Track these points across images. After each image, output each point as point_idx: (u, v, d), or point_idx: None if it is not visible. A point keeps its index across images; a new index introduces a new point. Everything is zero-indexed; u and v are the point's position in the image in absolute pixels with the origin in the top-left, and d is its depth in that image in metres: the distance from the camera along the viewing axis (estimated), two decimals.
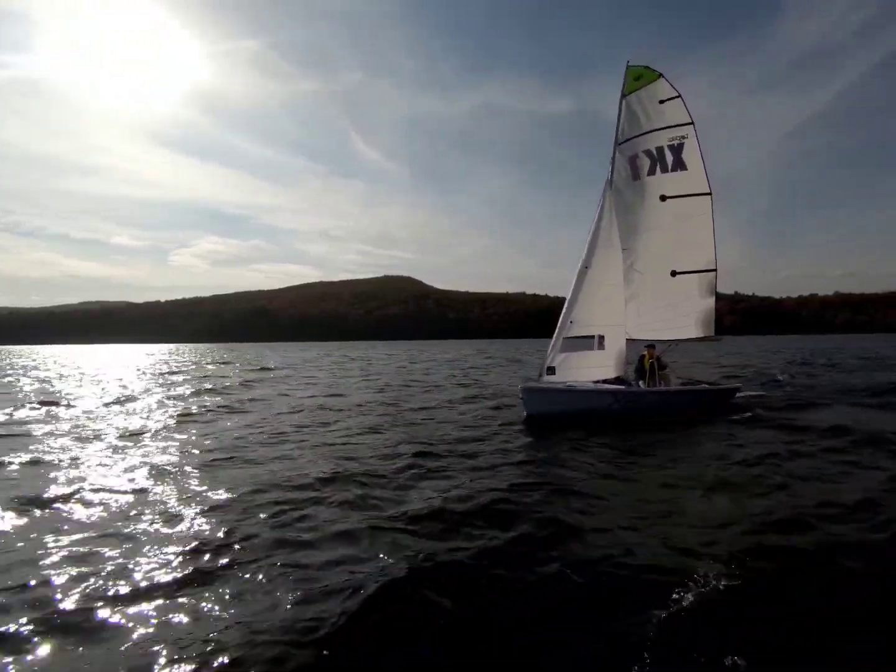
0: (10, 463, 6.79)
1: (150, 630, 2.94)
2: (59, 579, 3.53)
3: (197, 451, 7.59)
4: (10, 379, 23.13)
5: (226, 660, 2.62)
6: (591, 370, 10.18)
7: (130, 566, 3.72)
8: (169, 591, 3.37)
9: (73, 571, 3.64)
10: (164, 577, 3.54)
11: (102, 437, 8.63)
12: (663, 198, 11.02)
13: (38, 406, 12.79)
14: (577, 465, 6.55)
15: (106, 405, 13.09)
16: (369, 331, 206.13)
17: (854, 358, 27.07)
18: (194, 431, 9.27)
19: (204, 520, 4.65)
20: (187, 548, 4.00)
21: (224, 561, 3.79)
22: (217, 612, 3.13)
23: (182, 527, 4.49)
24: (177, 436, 8.84)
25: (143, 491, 5.56)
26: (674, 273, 11.08)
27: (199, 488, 5.64)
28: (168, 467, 6.58)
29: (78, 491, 5.50)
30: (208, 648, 2.72)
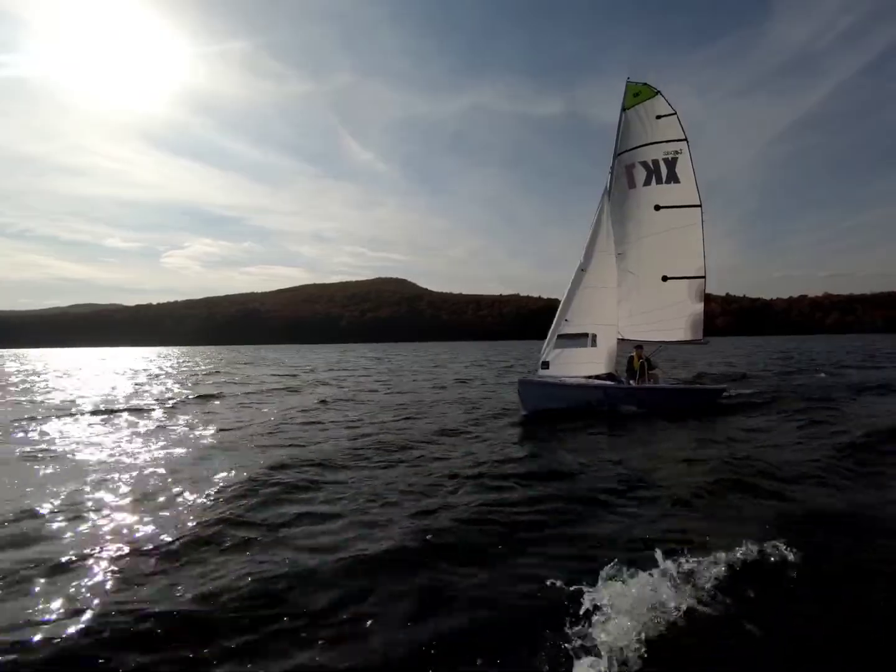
0: None
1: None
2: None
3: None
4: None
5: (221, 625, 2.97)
6: (582, 366, 10.95)
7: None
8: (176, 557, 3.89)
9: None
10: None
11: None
12: (657, 207, 11.69)
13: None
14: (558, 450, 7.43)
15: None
16: (362, 333, 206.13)
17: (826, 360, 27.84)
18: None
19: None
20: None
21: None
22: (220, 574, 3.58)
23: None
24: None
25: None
26: (665, 278, 11.70)
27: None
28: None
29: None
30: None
